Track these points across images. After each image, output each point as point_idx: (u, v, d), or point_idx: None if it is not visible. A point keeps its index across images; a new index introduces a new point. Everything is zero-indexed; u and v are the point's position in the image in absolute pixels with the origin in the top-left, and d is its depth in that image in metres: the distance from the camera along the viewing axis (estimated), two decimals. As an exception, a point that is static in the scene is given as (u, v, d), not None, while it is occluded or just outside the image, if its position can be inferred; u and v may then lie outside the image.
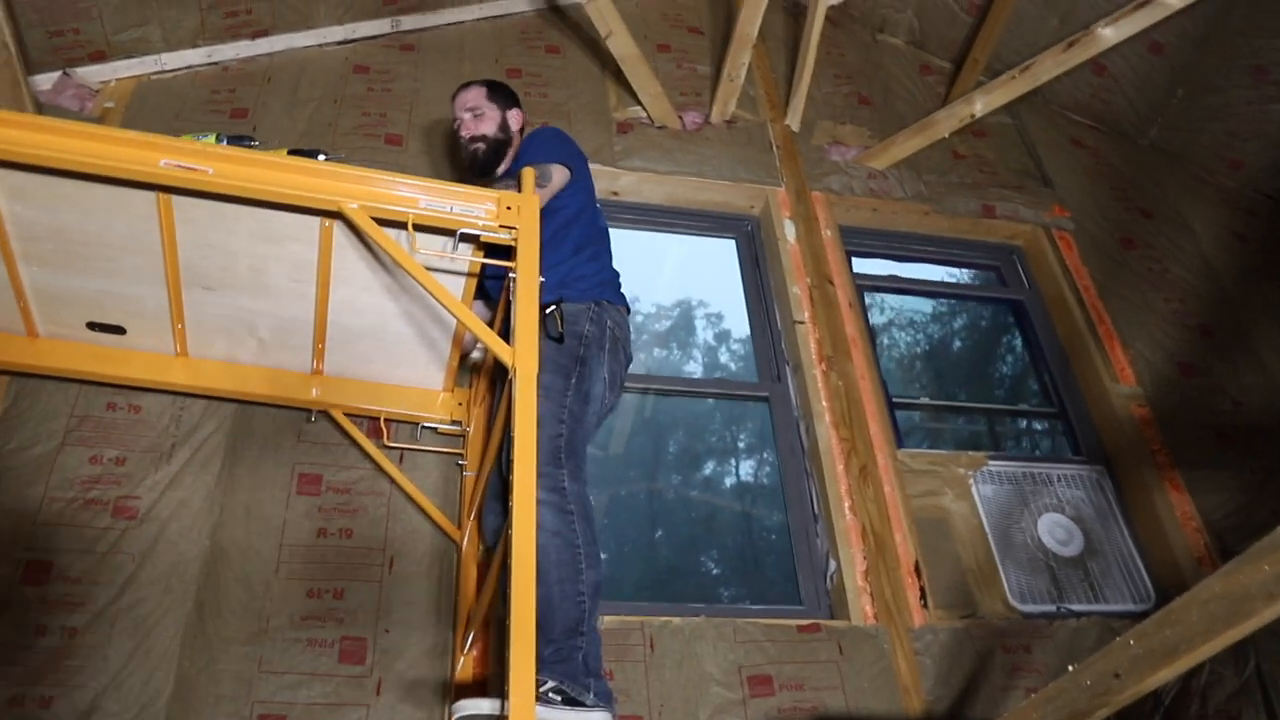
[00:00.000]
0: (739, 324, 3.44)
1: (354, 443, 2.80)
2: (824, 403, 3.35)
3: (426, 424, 2.79)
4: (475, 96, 2.83)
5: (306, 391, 2.70)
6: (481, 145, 2.75)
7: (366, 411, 2.74)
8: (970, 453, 3.40)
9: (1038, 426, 3.83)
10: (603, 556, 2.18)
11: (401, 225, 2.14)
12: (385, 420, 2.73)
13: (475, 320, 2.07)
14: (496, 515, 2.49)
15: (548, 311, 2.38)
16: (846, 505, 3.12)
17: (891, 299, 4.18)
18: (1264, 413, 3.62)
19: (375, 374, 2.76)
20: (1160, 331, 3.80)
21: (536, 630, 1.77)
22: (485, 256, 2.34)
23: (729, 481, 4.08)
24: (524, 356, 1.98)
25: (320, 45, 3.86)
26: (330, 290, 2.47)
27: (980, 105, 3.74)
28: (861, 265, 3.88)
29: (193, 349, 2.63)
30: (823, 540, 3.08)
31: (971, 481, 3.33)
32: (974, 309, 4.16)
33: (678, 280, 3.17)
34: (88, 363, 2.61)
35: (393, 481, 2.77)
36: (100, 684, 2.29)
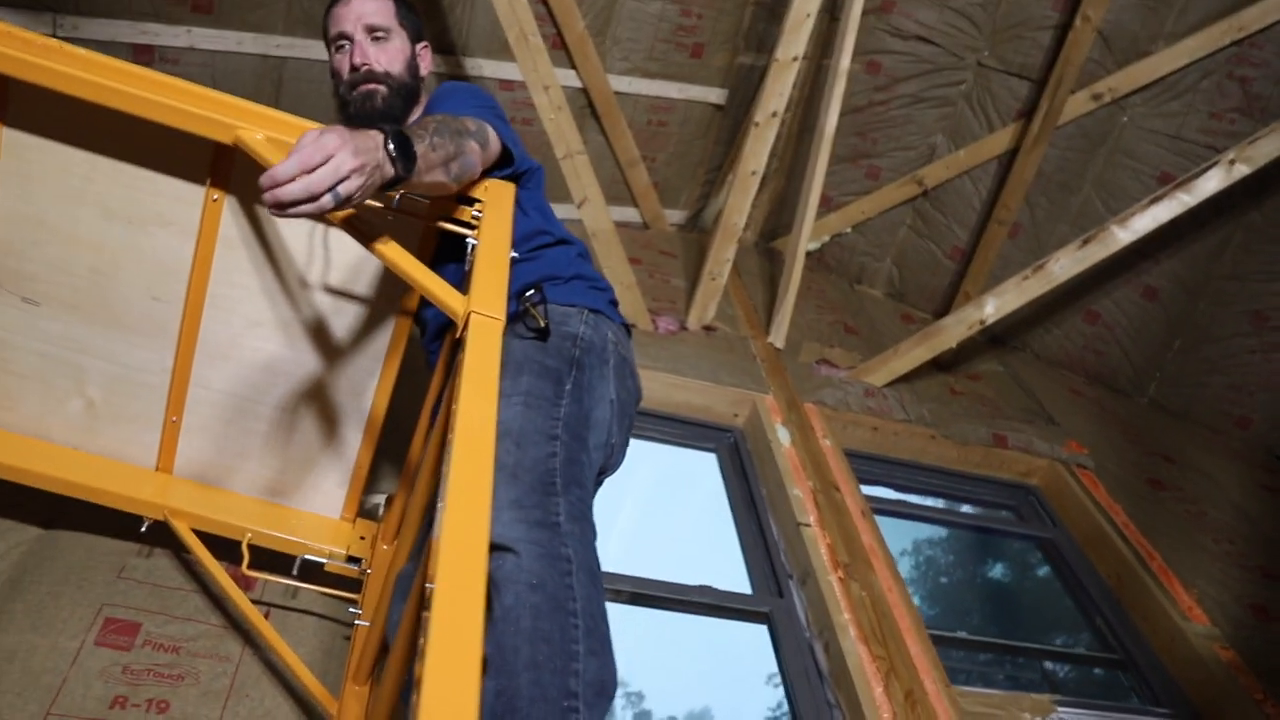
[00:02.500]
0: (661, 704, 2.54)
1: (199, 580, 1.83)
2: (846, 615, 2.44)
3: (312, 556, 1.82)
4: (380, 9, 1.77)
5: (142, 488, 1.76)
6: (384, 89, 1.73)
7: (226, 529, 1.79)
8: (1034, 695, 2.47)
9: (1096, 672, 2.89)
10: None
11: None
12: (249, 545, 1.77)
13: (414, 263, 1.26)
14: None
15: (526, 295, 1.53)
16: (892, 740, 2.13)
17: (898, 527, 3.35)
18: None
19: (246, 480, 1.85)
20: (1219, 571, 3.02)
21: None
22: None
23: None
24: (482, 301, 1.17)
25: None
26: (203, 315, 1.65)
27: (991, 308, 3.19)
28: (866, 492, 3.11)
29: (-16, 409, 1.73)
30: (863, 790, 2.05)
31: (1043, 730, 2.37)
32: (995, 543, 3.35)
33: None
34: None
35: (248, 640, 1.76)
36: None
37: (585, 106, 3.94)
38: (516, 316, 1.53)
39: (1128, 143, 3.80)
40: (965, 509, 3.37)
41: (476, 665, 0.70)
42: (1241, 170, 3.00)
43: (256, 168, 1.41)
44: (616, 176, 4.14)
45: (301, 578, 1.82)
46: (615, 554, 2.64)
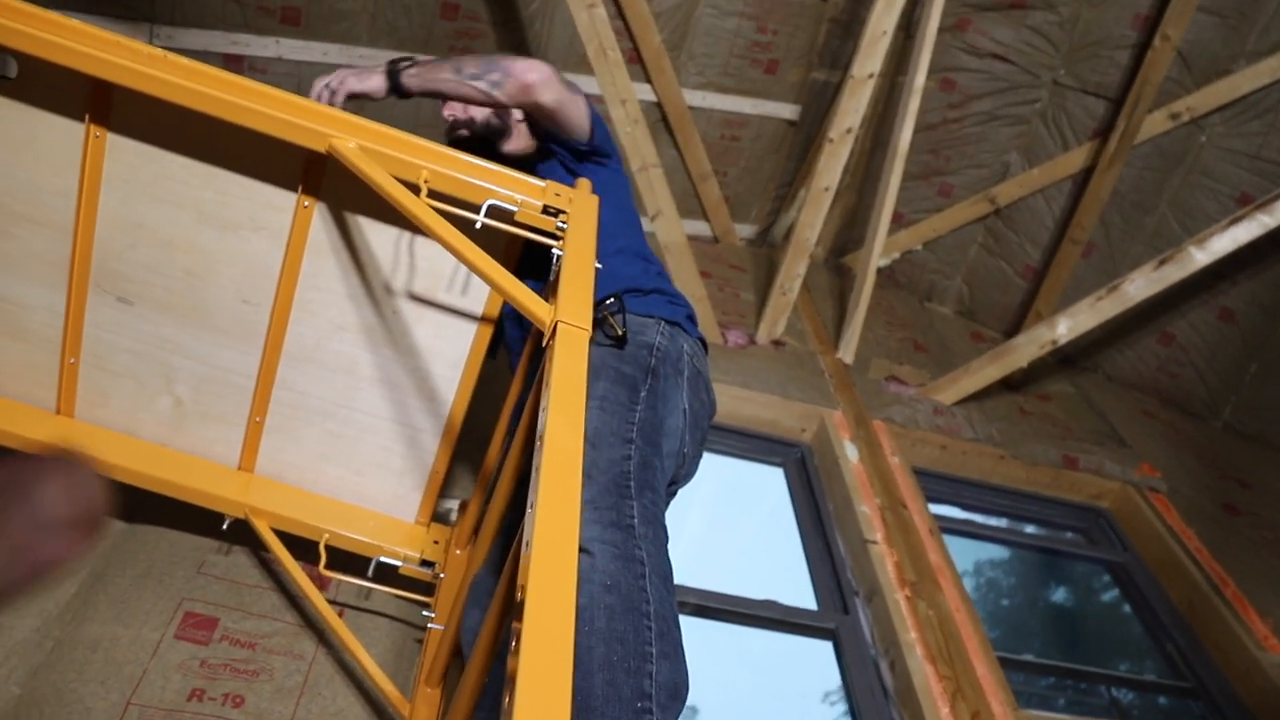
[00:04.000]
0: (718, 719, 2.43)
1: (276, 578, 1.83)
2: (913, 634, 2.36)
3: (386, 559, 1.80)
4: None
5: (224, 486, 1.76)
6: (466, 132, 1.82)
7: (304, 529, 1.78)
8: (1105, 722, 2.37)
9: (1163, 701, 2.76)
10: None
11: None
12: (326, 546, 1.76)
13: (499, 270, 1.23)
14: (485, 609, 1.45)
15: (606, 303, 1.51)
16: (960, 764, 2.04)
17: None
18: None
19: (325, 481, 1.84)
20: (1300, 602, 2.87)
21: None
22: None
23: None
24: (569, 312, 1.14)
25: None
26: (290, 319, 1.64)
27: (1064, 328, 3.07)
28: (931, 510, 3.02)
29: (82, 404, 1.74)
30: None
31: (1114, 760, 2.27)
32: (1058, 567, 3.22)
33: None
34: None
35: (322, 639, 1.75)
36: None
37: (659, 120, 3.90)
38: (594, 324, 1.50)
39: (1206, 163, 3.65)
40: (1032, 530, 3.25)
41: (568, 669, 0.67)
42: (1326, 192, 2.86)
43: (347, 175, 1.40)
44: (688, 190, 4.09)
45: (376, 579, 1.80)
46: (681, 566, 2.59)
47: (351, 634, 1.68)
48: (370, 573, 1.79)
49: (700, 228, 4.17)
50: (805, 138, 4.17)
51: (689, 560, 2.80)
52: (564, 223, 1.44)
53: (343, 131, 1.42)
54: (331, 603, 1.82)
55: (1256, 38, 3.48)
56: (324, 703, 1.65)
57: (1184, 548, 2.98)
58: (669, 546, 1.28)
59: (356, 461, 1.81)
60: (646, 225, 3.21)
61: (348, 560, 1.81)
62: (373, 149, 1.43)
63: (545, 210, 1.47)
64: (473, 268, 1.26)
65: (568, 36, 3.48)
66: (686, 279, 3.14)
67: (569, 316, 1.12)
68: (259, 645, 1.71)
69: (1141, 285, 2.99)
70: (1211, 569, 2.91)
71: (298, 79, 3.22)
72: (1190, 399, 3.83)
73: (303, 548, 1.77)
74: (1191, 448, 3.61)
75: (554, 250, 1.37)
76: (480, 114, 1.80)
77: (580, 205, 1.50)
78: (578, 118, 1.68)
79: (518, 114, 1.86)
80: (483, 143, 1.80)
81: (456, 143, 1.78)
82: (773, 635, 2.52)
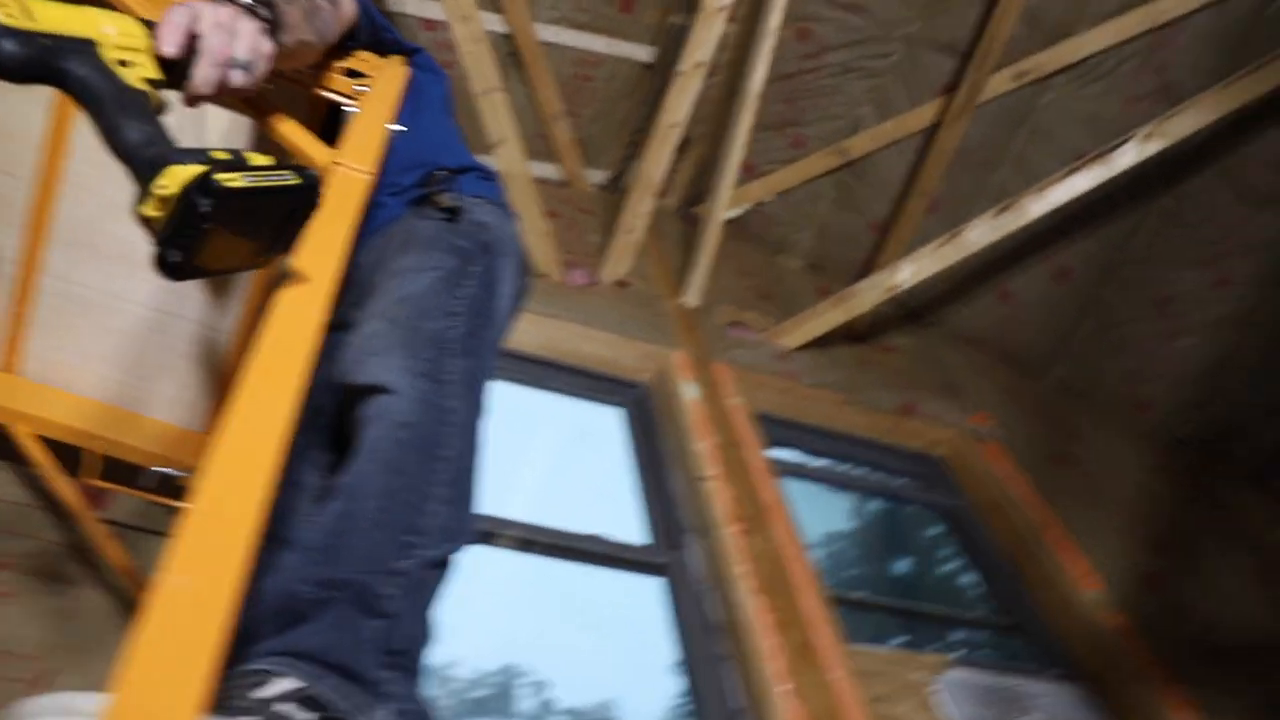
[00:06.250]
0: (564, 693, 2.43)
1: (47, 495, 1.69)
2: (743, 566, 2.38)
3: (170, 470, 1.68)
4: None
5: (-18, 386, 1.60)
6: None
7: (75, 435, 1.64)
8: (928, 654, 2.44)
9: (993, 637, 2.88)
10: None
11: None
12: (102, 457, 1.63)
13: (287, 122, 1.14)
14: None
15: (434, 177, 1.42)
16: (783, 691, 2.07)
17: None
18: (1244, 636, 2.81)
19: (102, 385, 1.70)
20: (1113, 543, 3.03)
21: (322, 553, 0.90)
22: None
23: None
24: (351, 156, 1.06)
25: None
26: (56, 196, 1.50)
27: (907, 273, 3.16)
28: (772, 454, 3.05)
29: None
30: (750, 741, 1.99)
31: (934, 689, 2.34)
32: (904, 535, 3.32)
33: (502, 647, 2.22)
34: None
35: (90, 560, 1.63)
36: None
37: (510, 54, 3.81)
38: (420, 201, 1.44)
39: (1048, 123, 3.81)
40: (869, 474, 3.34)
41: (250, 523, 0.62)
42: (1155, 146, 3.02)
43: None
44: (538, 131, 4.02)
45: (159, 494, 1.68)
46: (518, 507, 2.54)
47: (126, 554, 1.57)
48: (150, 484, 1.66)
49: (550, 170, 4.10)
50: (661, 82, 4.14)
51: (524, 500, 2.75)
52: (363, 86, 1.36)
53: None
54: (109, 522, 1.69)
55: (1098, 1, 3.64)
56: (84, 630, 1.53)
57: (1013, 493, 3.12)
58: (486, 424, 1.23)
59: (137, 362, 1.68)
60: (490, 164, 3.13)
61: (131, 474, 1.69)
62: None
63: (348, 73, 1.38)
64: (258, 120, 1.17)
65: (409, -46, 3.35)
66: (529, 212, 3.07)
67: (350, 160, 1.05)
68: (16, 566, 1.58)
69: (983, 232, 3.10)
70: (1037, 513, 3.05)
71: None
72: (1026, 355, 4.01)
73: (76, 460, 1.63)
74: (1026, 401, 3.78)
75: (346, 109, 1.29)
76: None
77: (386, 73, 1.42)
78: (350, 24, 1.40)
79: None
80: None
81: None
82: (604, 573, 2.51)
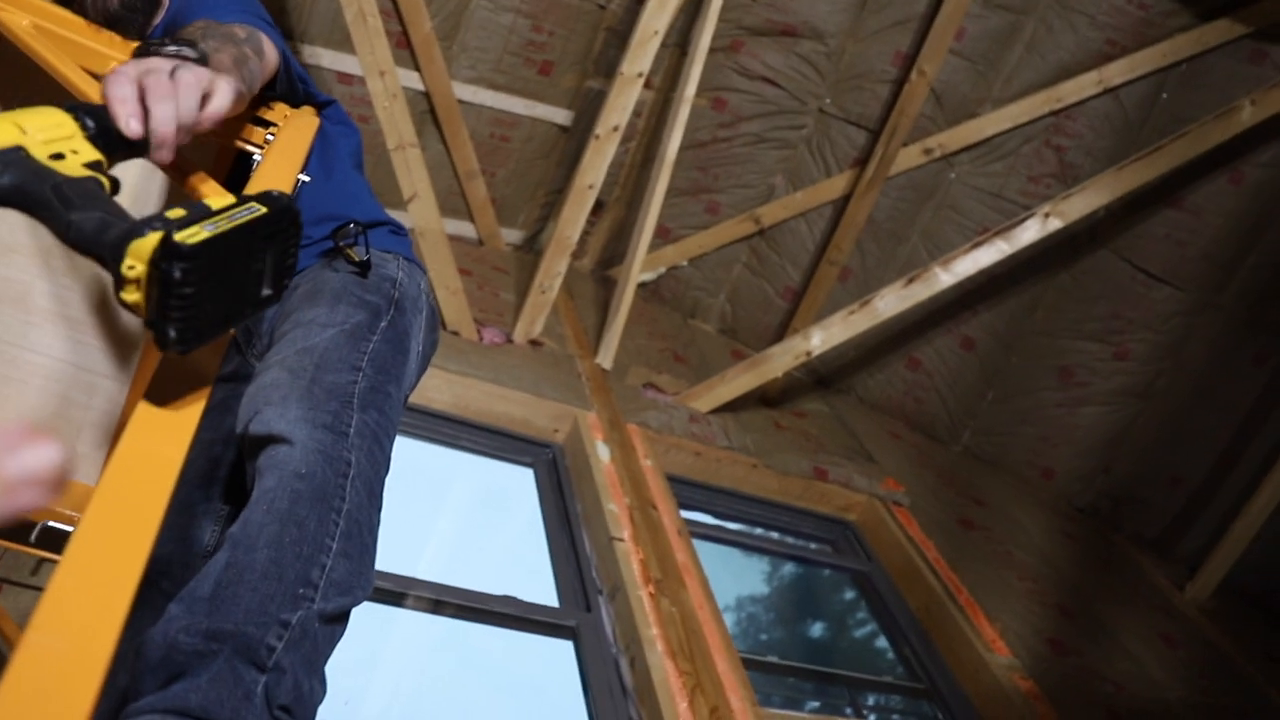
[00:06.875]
0: None
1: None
2: (654, 629, 2.35)
3: (56, 524, 1.59)
4: None
5: None
6: None
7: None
8: (845, 719, 2.43)
9: (897, 700, 2.88)
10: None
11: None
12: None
13: (198, 174, 1.11)
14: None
15: (343, 230, 1.37)
16: (693, 757, 2.03)
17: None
18: (1149, 699, 2.87)
19: None
20: (1022, 607, 3.09)
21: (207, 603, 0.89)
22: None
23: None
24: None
25: None
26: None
27: (818, 340, 3.22)
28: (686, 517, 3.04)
29: None
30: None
31: (846, 755, 2.33)
32: (817, 600, 3.32)
33: (409, 711, 2.12)
34: None
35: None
36: None
37: (426, 111, 3.82)
38: (330, 253, 1.41)
39: (954, 198, 3.96)
40: (781, 538, 3.35)
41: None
42: (1055, 224, 3.15)
43: (19, 58, 1.24)
44: (454, 189, 4.02)
45: (44, 548, 1.59)
46: (426, 568, 2.48)
47: (9, 619, 1.47)
48: (33, 538, 1.57)
49: (465, 228, 4.10)
50: (577, 145, 4.19)
51: (433, 561, 2.68)
52: (272, 134, 1.34)
53: (13, 4, 1.26)
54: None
55: (1001, 84, 3.83)
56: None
57: (923, 557, 3.16)
58: (387, 478, 1.20)
59: (26, 411, 1.60)
60: (404, 219, 3.11)
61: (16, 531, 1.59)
62: (53, 31, 1.28)
63: (255, 121, 1.36)
64: (164, 169, 1.14)
65: (332, 11, 3.35)
66: (442, 270, 3.05)
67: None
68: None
69: (891, 301, 3.18)
70: (948, 578, 3.09)
71: None
72: (934, 422, 4.10)
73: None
74: (934, 468, 3.86)
75: (254, 156, 1.27)
76: None
77: (294, 122, 1.40)
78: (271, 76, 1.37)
79: None
80: (132, 8, 1.45)
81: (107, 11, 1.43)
82: (513, 635, 2.44)
